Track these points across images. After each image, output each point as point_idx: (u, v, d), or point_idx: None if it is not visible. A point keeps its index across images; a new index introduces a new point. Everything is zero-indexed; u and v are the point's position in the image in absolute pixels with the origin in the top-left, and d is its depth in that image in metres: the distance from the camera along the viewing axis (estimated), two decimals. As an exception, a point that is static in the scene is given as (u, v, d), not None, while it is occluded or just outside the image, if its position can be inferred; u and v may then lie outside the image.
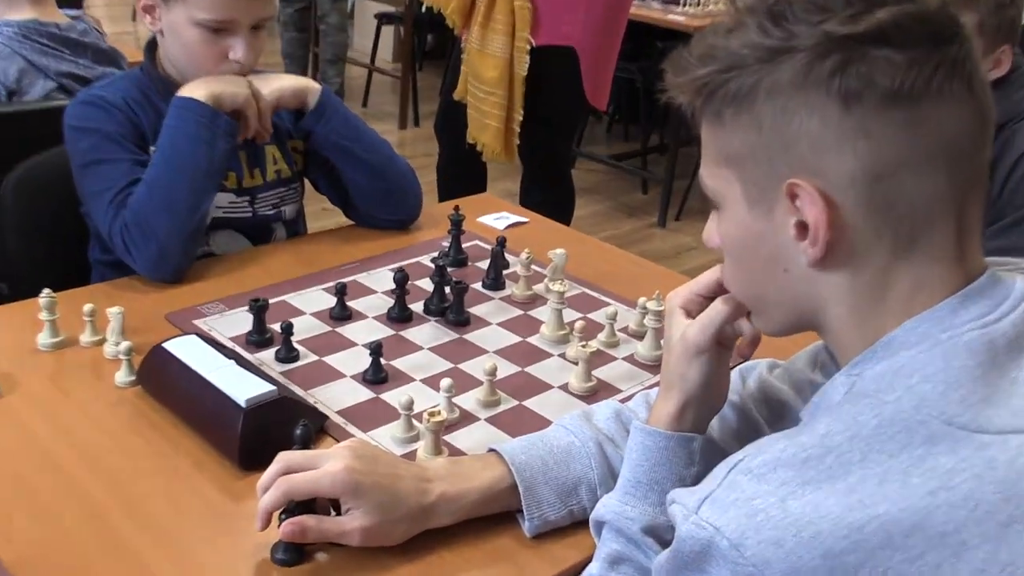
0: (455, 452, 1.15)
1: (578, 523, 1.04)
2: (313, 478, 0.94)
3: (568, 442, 1.05)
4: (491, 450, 1.06)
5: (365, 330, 1.43)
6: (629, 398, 1.16)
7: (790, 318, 0.83)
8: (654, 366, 1.36)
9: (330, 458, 0.95)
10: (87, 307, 1.35)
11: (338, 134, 1.68)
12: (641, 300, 1.47)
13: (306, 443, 1.01)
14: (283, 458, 0.96)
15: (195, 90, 1.53)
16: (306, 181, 1.84)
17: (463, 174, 3.13)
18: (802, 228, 0.76)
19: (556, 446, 1.05)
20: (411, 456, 1.14)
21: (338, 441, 1.13)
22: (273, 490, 0.94)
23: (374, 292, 1.55)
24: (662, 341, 1.06)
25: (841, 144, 0.73)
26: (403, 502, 0.96)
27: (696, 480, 0.90)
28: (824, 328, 0.81)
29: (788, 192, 0.75)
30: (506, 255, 1.67)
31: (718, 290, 0.94)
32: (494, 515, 1.03)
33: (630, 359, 1.39)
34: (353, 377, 1.31)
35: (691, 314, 0.95)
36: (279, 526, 0.95)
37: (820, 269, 0.77)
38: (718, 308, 0.92)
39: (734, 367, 1.09)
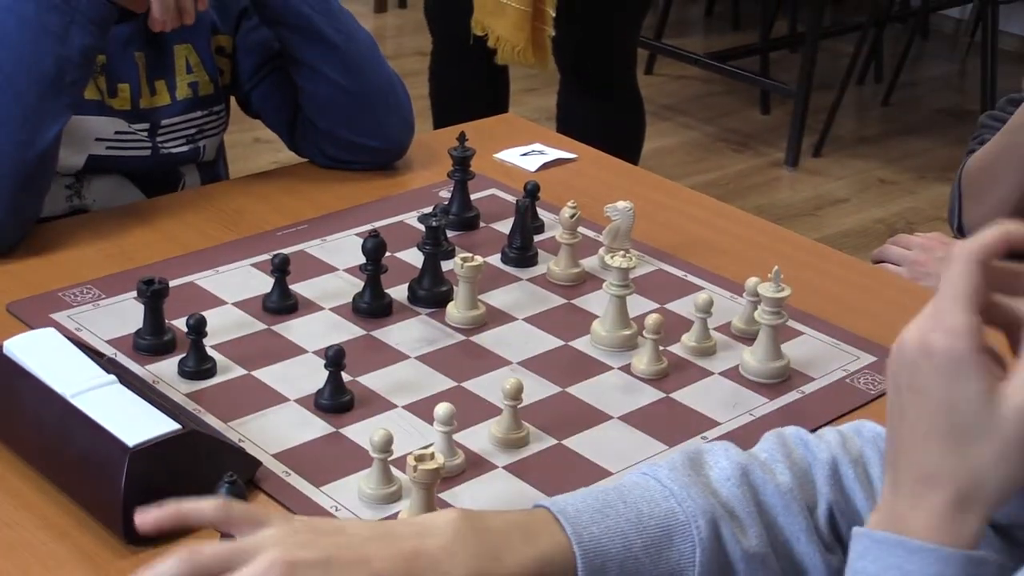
0: (458, 518, 1.17)
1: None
2: None
3: (667, 511, 0.99)
4: (538, 506, 0.99)
5: (318, 329, 1.45)
6: (733, 434, 1.17)
7: None
8: (769, 386, 1.38)
9: (259, 552, 0.94)
10: None
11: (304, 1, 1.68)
12: (751, 282, 1.47)
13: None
14: (187, 559, 0.94)
15: None
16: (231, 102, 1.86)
17: (470, 83, 3.13)
18: None
19: (647, 514, 0.98)
20: (389, 524, 1.16)
21: (277, 501, 1.15)
22: None
23: (332, 270, 1.57)
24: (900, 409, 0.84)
25: None
26: None
27: None
28: None
29: None
30: (539, 212, 1.69)
31: None
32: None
33: (732, 374, 1.41)
34: (299, 402, 1.33)
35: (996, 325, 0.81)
36: None
37: None
38: None
39: None
